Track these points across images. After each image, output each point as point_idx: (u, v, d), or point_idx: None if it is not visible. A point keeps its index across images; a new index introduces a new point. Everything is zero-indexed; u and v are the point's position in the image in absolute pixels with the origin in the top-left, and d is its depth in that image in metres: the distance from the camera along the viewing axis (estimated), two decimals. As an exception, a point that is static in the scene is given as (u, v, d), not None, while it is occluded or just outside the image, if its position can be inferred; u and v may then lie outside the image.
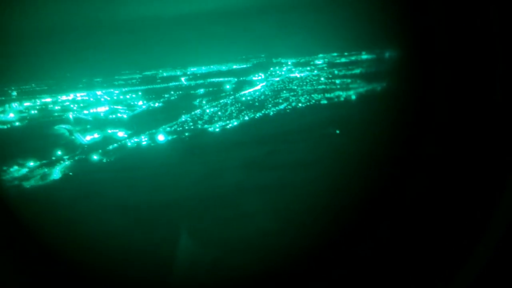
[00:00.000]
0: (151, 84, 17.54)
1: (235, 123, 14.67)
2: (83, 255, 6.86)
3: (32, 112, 15.92)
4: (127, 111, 15.77)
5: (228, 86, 17.42)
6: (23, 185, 12.36)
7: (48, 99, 16.30)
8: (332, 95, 15.43)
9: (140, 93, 16.91)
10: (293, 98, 15.62)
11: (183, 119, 15.03)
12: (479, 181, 3.80)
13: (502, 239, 3.52)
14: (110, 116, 15.54)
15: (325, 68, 17.44)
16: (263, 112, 15.10)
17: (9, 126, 15.10)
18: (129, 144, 13.96)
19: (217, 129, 14.50)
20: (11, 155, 12.72)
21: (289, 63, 18.31)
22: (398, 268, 4.27)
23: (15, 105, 15.93)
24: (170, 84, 17.60)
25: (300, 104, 15.23)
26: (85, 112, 15.85)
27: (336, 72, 16.94)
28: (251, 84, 17.35)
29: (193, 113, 15.56)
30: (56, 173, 12.99)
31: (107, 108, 15.93)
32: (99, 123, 15.13)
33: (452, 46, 4.45)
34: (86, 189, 11.89)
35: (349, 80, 16.13)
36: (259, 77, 17.69)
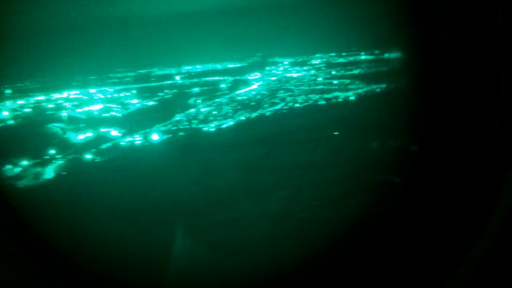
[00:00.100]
0: (145, 83, 17.41)
1: (231, 123, 14.53)
2: (76, 255, 6.75)
3: (26, 110, 15.75)
4: (121, 110, 15.59)
5: (223, 85, 17.30)
6: (16, 184, 12.18)
7: (42, 97, 16.12)
8: (330, 95, 15.34)
9: (134, 92, 16.76)
10: (290, 98, 15.54)
11: (178, 118, 14.90)
12: (479, 181, 3.75)
13: (498, 240, 3.47)
14: (104, 115, 15.36)
15: (323, 68, 17.37)
16: (259, 112, 14.99)
17: (2, 124, 14.92)
18: (122, 143, 13.80)
19: (212, 129, 14.35)
20: (4, 154, 12.51)
21: (286, 62, 18.22)
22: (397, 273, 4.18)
23: (8, 103, 15.77)
24: (165, 82, 17.46)
25: (297, 105, 15.15)
26: (79, 110, 15.66)
27: (334, 72, 16.87)
28: (247, 83, 17.24)
29: (187, 112, 15.43)
30: (49, 172, 12.82)
31: (100, 107, 15.75)
32: (93, 121, 14.97)
33: (455, 46, 4.34)
34: (79, 189, 11.74)
35: (347, 81, 16.07)
36: (255, 76, 17.58)
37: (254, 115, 14.89)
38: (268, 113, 14.89)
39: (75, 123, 14.92)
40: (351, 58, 17.49)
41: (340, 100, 15.05)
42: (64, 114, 15.42)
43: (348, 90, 15.59)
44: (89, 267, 6.59)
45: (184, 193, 10.89)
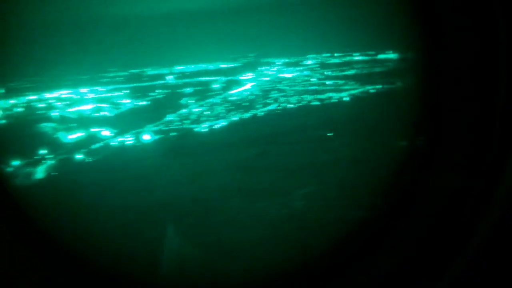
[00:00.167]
0: (137, 82, 17.32)
1: (223, 123, 14.46)
2: (66, 256, 6.65)
3: (17, 109, 15.64)
4: (112, 110, 15.49)
5: (216, 85, 17.24)
6: (7, 184, 12.01)
7: (33, 97, 16.02)
8: (324, 96, 15.31)
9: (126, 91, 16.67)
10: (283, 98, 15.50)
11: (170, 119, 14.82)
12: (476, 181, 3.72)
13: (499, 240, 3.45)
14: (95, 114, 15.26)
15: (316, 68, 17.36)
16: (252, 112, 14.93)
17: (-6, 124, 14.80)
18: (114, 143, 13.69)
19: (205, 129, 14.27)
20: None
21: (279, 63, 18.21)
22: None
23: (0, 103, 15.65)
24: (157, 82, 17.38)
25: (290, 105, 15.11)
26: (70, 110, 15.55)
27: (327, 73, 16.87)
28: (240, 83, 17.19)
29: (180, 112, 15.35)
30: (40, 172, 12.69)
31: (92, 106, 15.65)
32: (84, 121, 14.87)
33: (453, 46, 4.28)
34: (69, 190, 11.62)
35: (341, 82, 16.07)
36: (248, 77, 17.55)
37: (247, 115, 14.82)
38: (261, 114, 14.83)
39: (66, 122, 14.81)
40: (345, 59, 17.53)
41: (334, 100, 15.03)
42: (55, 113, 15.32)
43: (342, 90, 15.56)
44: (81, 267, 6.49)
45: (175, 194, 10.80)
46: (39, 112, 15.53)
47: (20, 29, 15.09)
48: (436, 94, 4.46)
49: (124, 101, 16.33)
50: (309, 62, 18.15)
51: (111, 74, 17.72)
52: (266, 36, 20.20)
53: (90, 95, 16.32)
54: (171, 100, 16.44)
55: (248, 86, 17.19)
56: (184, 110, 15.40)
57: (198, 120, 14.75)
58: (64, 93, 16.38)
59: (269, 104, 15.31)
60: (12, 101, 15.69)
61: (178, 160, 12.49)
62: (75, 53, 17.22)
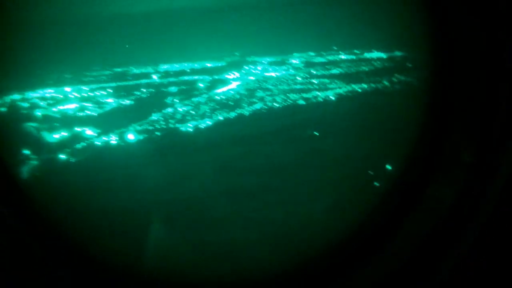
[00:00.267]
0: (121, 81, 17.24)
1: (209, 123, 14.38)
2: (51, 258, 6.53)
3: (1, 109, 15.53)
4: (96, 109, 15.38)
5: (201, 85, 17.24)
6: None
7: (17, 96, 15.91)
8: (309, 95, 15.32)
9: (110, 90, 16.58)
10: (269, 98, 15.49)
11: (155, 118, 14.71)
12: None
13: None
14: (79, 114, 15.14)
15: (302, 67, 17.40)
16: (237, 111, 14.88)
17: (-23, 124, 14.64)
18: (98, 143, 13.54)
19: (190, 129, 14.18)
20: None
21: (265, 62, 18.23)
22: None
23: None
24: (141, 81, 17.34)
25: (276, 104, 15.09)
26: (54, 109, 15.43)
27: (313, 71, 16.91)
28: (225, 82, 17.20)
29: (165, 111, 15.25)
30: (23, 173, 12.52)
31: (75, 105, 15.54)
32: (68, 120, 14.74)
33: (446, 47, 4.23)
34: (53, 191, 11.46)
35: (327, 80, 16.10)
36: (234, 76, 17.56)
37: (232, 115, 14.76)
38: (247, 113, 14.78)
39: (50, 122, 14.67)
40: (331, 58, 17.57)
41: (319, 99, 15.00)
42: (38, 113, 15.17)
43: (327, 89, 15.55)
44: (64, 271, 6.36)
45: (159, 194, 10.70)
46: (22, 111, 15.38)
47: (3, 29, 14.93)
48: (434, 93, 4.42)
49: (108, 100, 16.19)
50: (295, 61, 18.19)
51: (95, 73, 17.60)
52: (251, 35, 20.18)
53: (74, 94, 16.28)
54: (156, 99, 16.31)
55: (233, 85, 17.12)
56: (169, 109, 15.31)
57: (183, 120, 14.65)
58: (47, 92, 16.29)
59: (254, 103, 15.27)
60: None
61: (162, 160, 12.38)
62: (59, 52, 17.08)
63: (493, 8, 3.39)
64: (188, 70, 18.38)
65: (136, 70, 17.94)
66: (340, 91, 15.08)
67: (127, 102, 16.00)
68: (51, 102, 15.83)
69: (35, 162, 12.85)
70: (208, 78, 17.65)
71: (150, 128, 14.17)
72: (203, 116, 14.72)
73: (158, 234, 8.77)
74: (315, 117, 13.67)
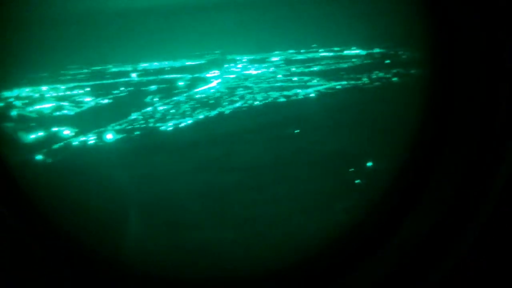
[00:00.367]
0: (99, 80, 17.05)
1: (189, 122, 14.29)
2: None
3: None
4: (73, 108, 15.19)
5: (181, 83, 17.14)
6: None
7: (-9, 97, 15.70)
8: (290, 93, 15.35)
9: (87, 89, 16.39)
10: (250, 96, 15.47)
11: (134, 117, 14.58)
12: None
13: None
14: (56, 113, 14.93)
15: (282, 65, 17.41)
16: (218, 110, 14.83)
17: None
18: (75, 143, 13.36)
19: (170, 128, 14.07)
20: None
21: (245, 59, 18.18)
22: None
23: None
24: (120, 79, 17.16)
25: (256, 102, 15.07)
26: (30, 109, 15.21)
27: (293, 69, 16.92)
28: (206, 81, 17.14)
29: (144, 110, 15.15)
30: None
31: (52, 105, 15.32)
32: (44, 120, 14.52)
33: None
34: (30, 193, 11.23)
35: (307, 78, 16.11)
36: (214, 74, 17.50)
37: (213, 113, 14.70)
38: (227, 112, 14.72)
39: (26, 122, 14.47)
40: (310, 55, 17.61)
41: (300, 97, 15.01)
42: (14, 113, 14.94)
43: (308, 87, 15.56)
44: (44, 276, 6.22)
45: (138, 194, 10.58)
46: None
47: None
48: (434, 93, 4.37)
49: (86, 99, 16.00)
50: (275, 58, 18.20)
51: (72, 72, 17.41)
52: (231, 33, 20.09)
53: (50, 94, 16.06)
54: (135, 98, 16.16)
55: (214, 83, 17.05)
56: (148, 109, 15.21)
57: (163, 119, 14.55)
58: (23, 91, 16.05)
59: (235, 101, 15.23)
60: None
61: (142, 160, 12.25)
62: (34, 50, 16.82)
63: (493, 8, 3.35)
64: (168, 69, 18.25)
65: (114, 69, 17.76)
66: (320, 88, 15.11)
67: (105, 101, 15.83)
68: (27, 101, 15.58)
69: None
70: (188, 76, 17.57)
71: (129, 127, 14.04)
72: (183, 115, 14.63)
73: (137, 234, 8.68)
74: (295, 115, 13.65)
